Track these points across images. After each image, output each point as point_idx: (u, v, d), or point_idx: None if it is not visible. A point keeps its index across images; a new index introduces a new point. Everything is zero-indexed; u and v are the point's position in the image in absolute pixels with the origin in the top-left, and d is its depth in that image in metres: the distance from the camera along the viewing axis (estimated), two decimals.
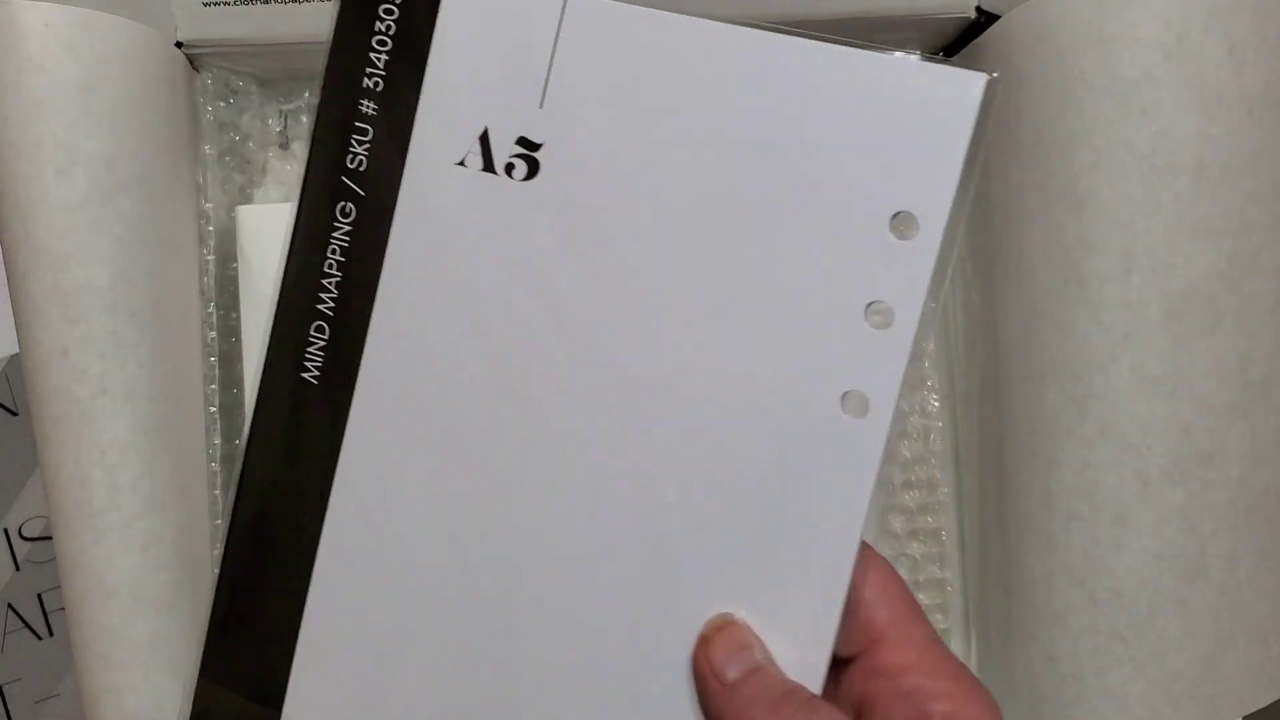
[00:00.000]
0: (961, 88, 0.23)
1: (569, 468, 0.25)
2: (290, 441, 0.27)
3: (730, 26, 0.24)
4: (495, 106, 0.26)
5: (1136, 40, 0.29)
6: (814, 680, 0.24)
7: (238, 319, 0.37)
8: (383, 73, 0.26)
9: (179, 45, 0.35)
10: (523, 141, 0.25)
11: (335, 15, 0.26)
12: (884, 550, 0.39)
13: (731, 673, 0.23)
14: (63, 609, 0.32)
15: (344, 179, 0.26)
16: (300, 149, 0.40)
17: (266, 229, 0.38)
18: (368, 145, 0.26)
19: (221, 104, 0.38)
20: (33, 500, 0.50)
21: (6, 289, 0.32)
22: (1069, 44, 0.30)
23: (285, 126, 0.40)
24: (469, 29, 0.26)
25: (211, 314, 0.37)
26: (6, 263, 0.31)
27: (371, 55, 0.26)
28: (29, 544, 0.50)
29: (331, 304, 0.26)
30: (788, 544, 0.24)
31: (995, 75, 0.22)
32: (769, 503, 0.24)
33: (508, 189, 0.25)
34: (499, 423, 0.26)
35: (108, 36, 0.32)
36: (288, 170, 0.40)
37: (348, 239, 0.26)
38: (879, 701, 0.23)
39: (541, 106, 0.25)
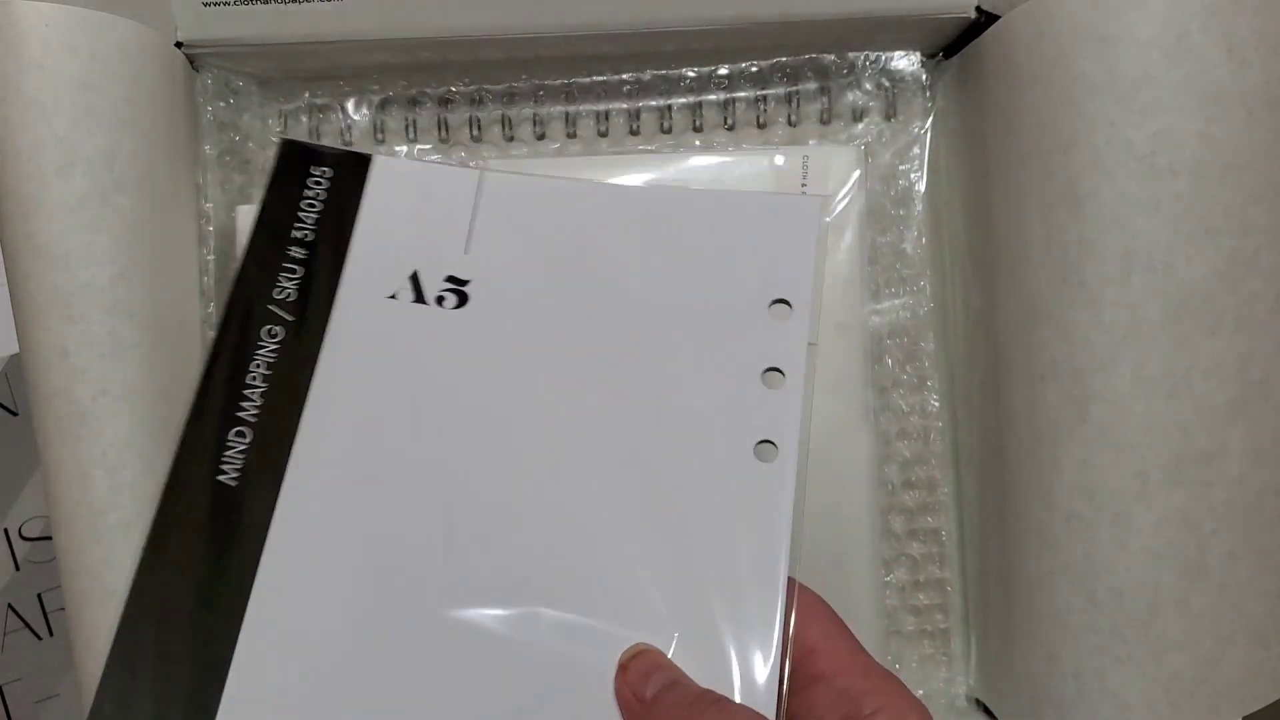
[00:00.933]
0: (805, 209, 0.30)
1: (496, 581, 0.27)
2: (206, 544, 0.27)
3: (612, 186, 0.31)
4: (424, 253, 0.30)
5: (1136, 40, 0.29)
6: (769, 704, 0.25)
7: None
8: (312, 227, 0.30)
9: (179, 45, 0.35)
10: (452, 279, 0.29)
11: (270, 175, 0.30)
12: (884, 550, 0.39)
13: (649, 691, 0.25)
14: (63, 609, 0.32)
15: (271, 306, 0.29)
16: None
17: None
18: (297, 282, 0.29)
19: (221, 104, 0.38)
20: (33, 500, 0.50)
21: (6, 289, 0.32)
22: (1069, 44, 0.31)
23: (285, 127, 0.40)
24: (395, 195, 0.30)
25: (211, 314, 0.37)
26: (6, 263, 0.31)
27: (302, 213, 0.30)
28: (29, 544, 0.50)
29: (255, 411, 0.28)
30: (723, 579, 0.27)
31: (827, 195, 0.31)
32: (701, 547, 0.27)
33: (439, 316, 0.29)
34: (428, 524, 0.28)
35: (108, 36, 0.32)
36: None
37: (274, 355, 0.29)
38: (816, 702, 0.25)
39: (467, 252, 0.30)
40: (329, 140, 0.40)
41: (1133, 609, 0.31)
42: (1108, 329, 0.30)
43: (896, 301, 0.40)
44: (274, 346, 0.29)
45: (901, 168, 0.40)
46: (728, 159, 0.38)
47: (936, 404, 0.40)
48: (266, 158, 0.40)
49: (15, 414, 0.50)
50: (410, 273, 0.29)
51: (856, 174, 0.38)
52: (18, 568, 0.50)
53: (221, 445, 0.28)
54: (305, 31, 0.35)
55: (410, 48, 0.36)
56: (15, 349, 0.32)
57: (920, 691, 0.39)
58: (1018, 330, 0.34)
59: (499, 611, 0.27)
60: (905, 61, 0.40)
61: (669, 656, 0.26)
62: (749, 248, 0.29)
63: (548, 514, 0.27)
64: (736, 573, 0.27)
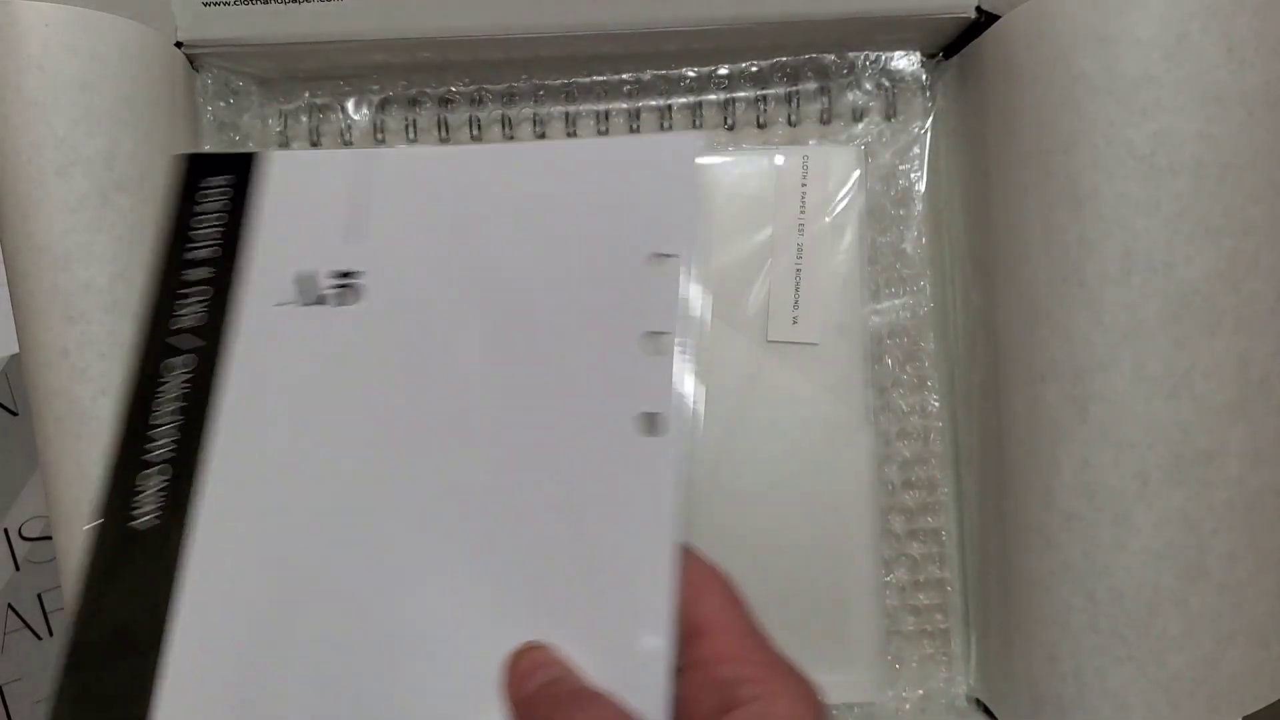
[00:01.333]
0: (681, 148, 0.28)
1: (413, 576, 0.26)
2: (125, 592, 0.27)
3: (497, 147, 0.30)
4: (317, 249, 0.29)
5: (1136, 40, 0.29)
6: (657, 687, 0.24)
7: None
8: (211, 243, 0.29)
9: (179, 45, 0.35)
10: (344, 273, 0.29)
11: (169, 191, 0.30)
12: (884, 550, 0.39)
13: (531, 686, 0.24)
14: (62, 609, 0.32)
15: (175, 336, 0.29)
16: (300, 149, 0.40)
17: None
18: (199, 305, 0.29)
19: (221, 104, 0.38)
20: (33, 500, 0.50)
21: (6, 289, 0.32)
22: (1069, 44, 0.31)
23: (285, 126, 0.40)
24: (290, 190, 0.29)
25: None
26: (6, 263, 0.31)
27: (201, 230, 0.29)
28: (29, 544, 0.50)
29: (165, 449, 0.28)
30: (609, 563, 0.26)
31: (701, 133, 0.29)
32: (590, 533, 0.26)
33: (331, 316, 0.28)
34: (338, 544, 0.27)
35: (108, 36, 0.32)
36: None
37: (181, 387, 0.28)
38: (692, 690, 0.24)
39: (358, 241, 0.29)
40: (329, 140, 0.40)
41: (1133, 609, 0.31)
42: (1108, 329, 0.30)
43: (896, 301, 0.40)
44: (182, 376, 0.28)
45: (901, 168, 0.40)
46: (728, 159, 0.38)
47: (936, 404, 0.40)
48: None
49: (15, 414, 0.50)
50: (301, 273, 0.29)
51: (856, 174, 0.38)
52: (18, 568, 0.50)
53: (132, 489, 0.27)
54: (305, 31, 0.35)
55: (410, 48, 0.36)
56: (15, 349, 0.32)
57: (920, 691, 0.39)
58: (1018, 330, 0.34)
59: (404, 612, 0.26)
60: (905, 61, 0.40)
61: (562, 649, 0.25)
62: (626, 197, 0.28)
63: (451, 510, 0.27)
64: (624, 559, 0.26)
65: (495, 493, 0.27)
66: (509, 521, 0.26)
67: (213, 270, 0.29)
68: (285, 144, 0.40)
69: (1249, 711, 0.31)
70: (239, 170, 0.30)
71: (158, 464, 0.27)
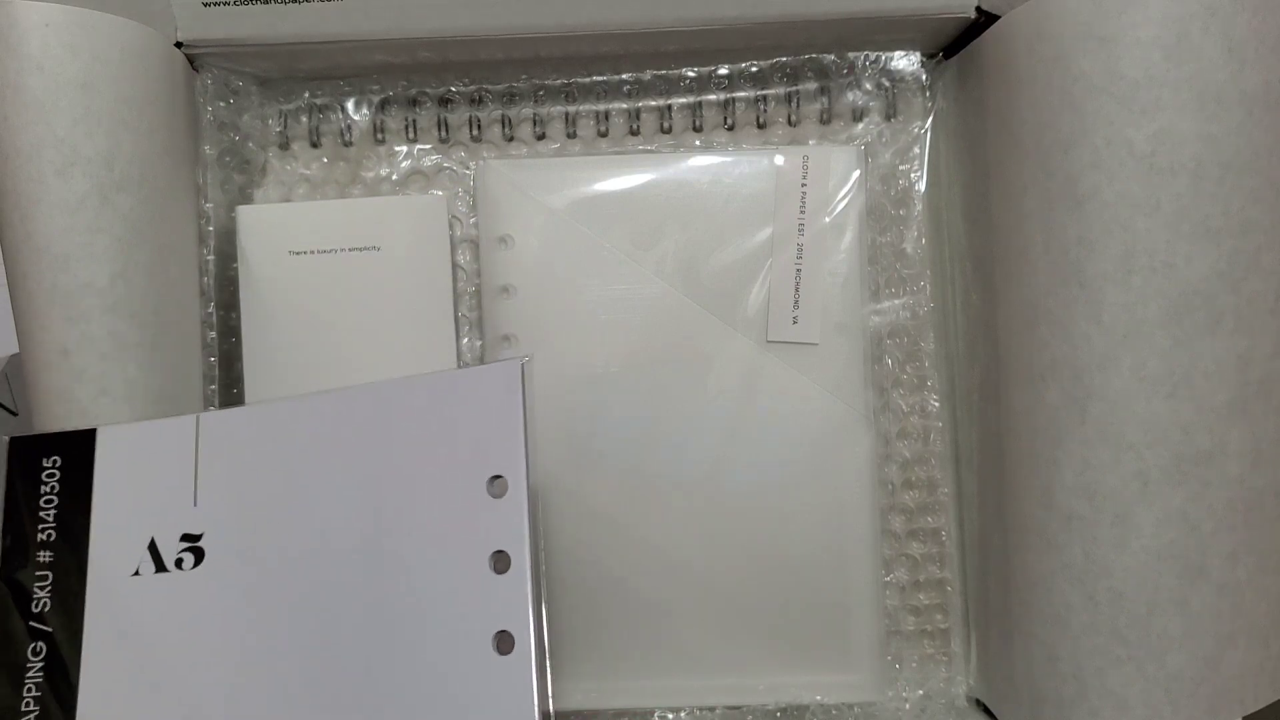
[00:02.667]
0: (505, 376, 0.29)
1: None
2: None
3: (319, 395, 0.31)
4: (156, 516, 0.30)
5: (1136, 40, 0.29)
6: None
7: (238, 319, 0.38)
8: (53, 524, 0.30)
9: (179, 45, 0.35)
10: (186, 537, 0.30)
11: (4, 481, 0.30)
12: (884, 550, 0.39)
13: None
14: None
15: (32, 623, 0.29)
16: (300, 149, 0.40)
17: (266, 229, 0.38)
18: (48, 588, 0.30)
19: (221, 104, 0.38)
20: None
21: (6, 289, 0.32)
22: (1069, 44, 0.31)
23: (285, 126, 0.40)
24: (123, 463, 0.30)
25: (211, 314, 0.37)
26: (7, 263, 0.31)
27: (41, 513, 0.30)
28: None
29: None
30: None
31: (527, 359, 0.29)
32: None
33: (181, 580, 0.29)
34: None
35: (108, 36, 0.32)
36: (287, 170, 0.40)
37: (41, 673, 0.29)
38: None
39: (195, 504, 0.30)
40: (329, 140, 0.40)
41: (1133, 609, 0.31)
42: (1108, 329, 0.30)
43: (896, 301, 0.40)
44: (40, 665, 0.29)
45: (901, 168, 0.40)
46: (728, 159, 0.38)
47: (936, 404, 0.40)
48: (267, 158, 0.40)
49: (15, 414, 0.50)
50: (148, 540, 0.30)
51: (856, 174, 0.38)
52: None
53: None
54: (305, 31, 0.35)
55: (410, 48, 0.36)
56: (15, 349, 0.32)
57: (920, 691, 0.39)
58: (1018, 330, 0.34)
59: None
60: (905, 61, 0.40)
61: None
62: (460, 426, 0.29)
63: None
64: None
65: None
66: None
67: (54, 553, 0.30)
68: (285, 144, 0.40)
69: (1249, 711, 0.31)
70: (68, 448, 0.31)
71: None
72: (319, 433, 0.30)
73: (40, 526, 0.30)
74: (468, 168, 0.40)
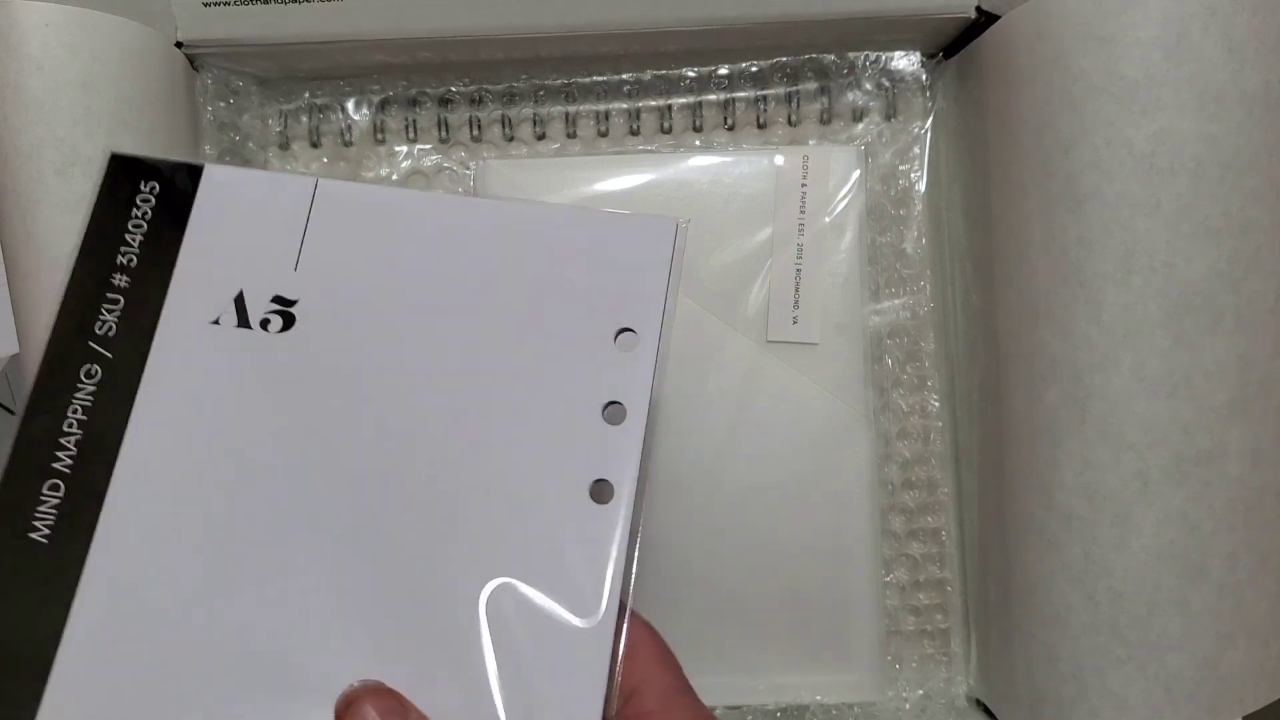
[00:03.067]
0: (659, 232, 0.28)
1: (323, 620, 0.26)
2: (14, 602, 0.26)
3: (457, 197, 0.30)
4: (251, 271, 0.28)
5: (1136, 40, 0.29)
6: None
7: None
8: (137, 250, 0.28)
9: (179, 45, 0.35)
10: (279, 299, 0.28)
11: (94, 192, 0.28)
12: (884, 550, 0.39)
13: None
14: None
15: (90, 343, 0.27)
16: (300, 149, 0.40)
17: None
18: (117, 313, 0.27)
19: (221, 104, 0.38)
20: None
21: (6, 289, 0.32)
22: (1069, 44, 0.31)
23: (285, 126, 0.40)
24: (226, 208, 0.28)
25: None
26: (7, 263, 0.31)
27: (127, 235, 0.28)
28: None
29: (69, 462, 0.26)
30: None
31: (685, 222, 0.28)
32: (535, 592, 0.26)
33: (263, 341, 0.27)
34: (242, 586, 0.26)
35: (108, 36, 0.32)
36: (288, 170, 0.40)
37: (91, 399, 0.27)
38: None
39: (296, 269, 0.28)
40: (329, 140, 0.40)
41: (1133, 609, 0.31)
42: (1108, 329, 0.30)
43: (896, 301, 0.40)
44: (91, 389, 0.27)
45: (901, 168, 0.40)
46: (728, 159, 0.38)
47: (936, 404, 0.40)
48: (267, 158, 0.40)
49: (15, 414, 0.50)
50: (236, 293, 0.28)
51: (856, 174, 0.38)
52: None
53: (36, 500, 0.26)
54: (305, 31, 0.35)
55: (410, 48, 0.36)
56: (15, 349, 0.32)
57: (920, 691, 0.39)
58: (1018, 330, 0.34)
59: (305, 658, 0.26)
60: (905, 61, 0.40)
61: (497, 707, 0.25)
62: (598, 270, 0.28)
63: (373, 565, 0.26)
64: (568, 623, 0.26)
65: (430, 560, 0.26)
66: (445, 584, 0.26)
67: (131, 280, 0.28)
68: (285, 144, 0.40)
69: (1249, 711, 0.31)
70: (171, 179, 0.29)
71: (59, 477, 0.26)
72: (446, 232, 0.28)
73: (122, 250, 0.28)
74: (468, 168, 0.40)
